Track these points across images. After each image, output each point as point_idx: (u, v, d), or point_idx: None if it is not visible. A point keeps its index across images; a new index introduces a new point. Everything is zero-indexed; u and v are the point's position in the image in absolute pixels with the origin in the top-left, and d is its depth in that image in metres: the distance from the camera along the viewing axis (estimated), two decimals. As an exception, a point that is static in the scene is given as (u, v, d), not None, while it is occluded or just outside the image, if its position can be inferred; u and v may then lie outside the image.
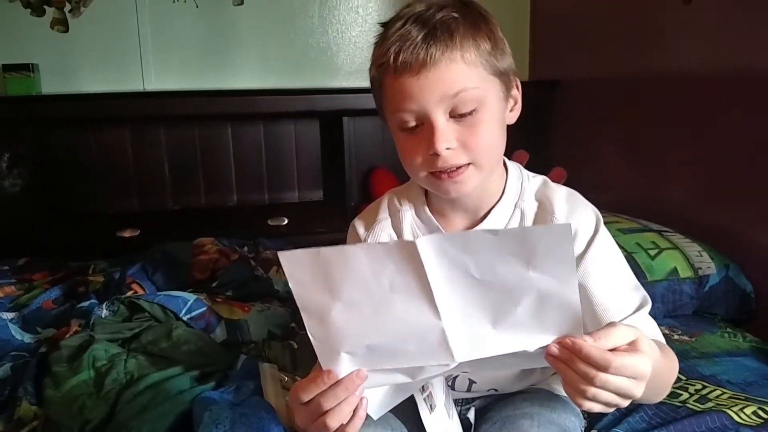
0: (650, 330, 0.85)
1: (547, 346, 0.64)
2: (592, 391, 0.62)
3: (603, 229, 0.88)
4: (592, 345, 0.61)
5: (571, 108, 2.61)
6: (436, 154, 0.80)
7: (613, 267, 0.87)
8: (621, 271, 0.88)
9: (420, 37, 0.77)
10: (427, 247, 0.60)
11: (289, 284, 0.63)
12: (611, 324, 0.65)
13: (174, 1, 2.53)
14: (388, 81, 0.81)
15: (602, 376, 0.61)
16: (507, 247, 0.59)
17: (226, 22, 2.59)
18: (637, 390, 0.63)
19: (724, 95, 1.80)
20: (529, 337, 0.64)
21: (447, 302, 0.63)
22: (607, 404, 0.63)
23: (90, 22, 2.48)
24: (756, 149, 1.69)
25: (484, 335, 0.65)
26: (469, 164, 0.81)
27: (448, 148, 0.79)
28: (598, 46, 2.40)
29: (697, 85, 1.90)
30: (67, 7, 2.46)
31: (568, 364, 0.63)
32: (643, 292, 0.86)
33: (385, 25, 0.84)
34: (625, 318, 0.82)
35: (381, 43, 0.82)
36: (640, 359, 0.62)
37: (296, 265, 0.63)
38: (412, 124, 0.81)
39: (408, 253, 0.60)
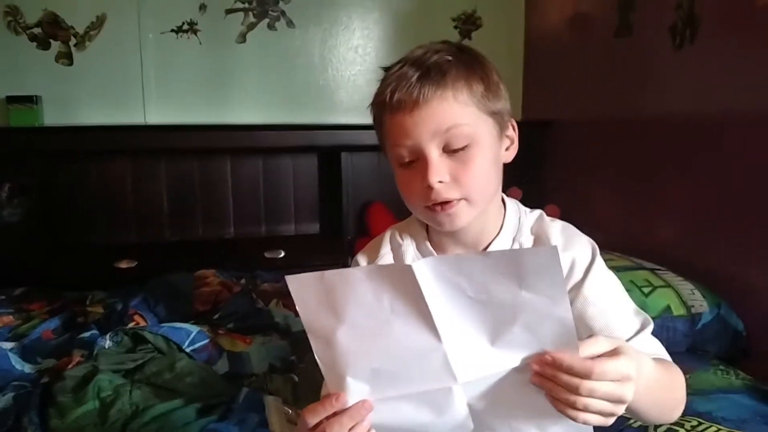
0: (654, 349, 0.86)
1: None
2: (582, 401, 0.63)
3: (599, 258, 0.90)
4: (572, 356, 0.64)
5: (564, 148, 2.67)
6: (430, 187, 0.83)
7: (612, 293, 0.89)
8: (620, 297, 0.89)
9: (415, 77, 0.82)
10: (423, 271, 0.62)
11: (297, 307, 0.66)
12: (591, 337, 0.67)
13: (177, 37, 2.58)
14: (386, 118, 0.86)
15: (587, 384, 0.63)
16: (498, 268, 0.62)
17: (228, 59, 2.65)
18: (626, 392, 0.64)
19: (714, 137, 1.85)
20: (527, 354, 0.66)
21: (446, 324, 0.65)
22: (601, 413, 0.65)
23: (94, 56, 2.53)
24: (747, 191, 1.74)
25: (483, 354, 0.67)
26: (461, 199, 0.85)
27: (440, 182, 0.83)
28: (590, 88, 2.46)
29: (688, 127, 1.95)
30: (73, 41, 2.50)
31: (552, 379, 0.65)
32: (644, 315, 0.88)
33: (387, 69, 0.88)
34: (628, 340, 0.83)
35: (381, 83, 0.87)
36: (622, 361, 0.64)
37: (302, 288, 0.65)
38: (408, 159, 0.85)
39: (405, 276, 0.63)
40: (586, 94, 2.49)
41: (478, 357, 0.67)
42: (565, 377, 0.64)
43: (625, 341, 0.70)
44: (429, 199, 0.84)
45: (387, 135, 0.87)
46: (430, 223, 0.90)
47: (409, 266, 0.62)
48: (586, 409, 0.64)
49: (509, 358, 0.67)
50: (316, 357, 0.69)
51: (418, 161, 0.84)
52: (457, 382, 0.68)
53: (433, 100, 0.81)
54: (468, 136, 0.83)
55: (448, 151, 0.83)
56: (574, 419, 0.65)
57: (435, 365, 0.67)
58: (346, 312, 0.66)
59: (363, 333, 0.67)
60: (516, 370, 0.67)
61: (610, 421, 0.66)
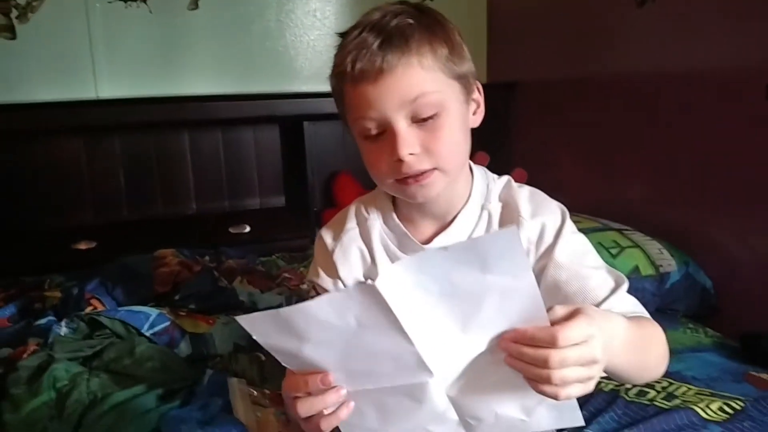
0: (631, 306, 0.85)
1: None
2: (557, 374, 0.61)
3: (569, 221, 0.89)
4: (534, 327, 0.62)
5: (530, 109, 2.64)
6: (400, 161, 0.79)
7: (584, 255, 0.88)
8: (592, 258, 0.88)
9: (376, 44, 0.78)
10: (387, 286, 0.60)
11: (255, 338, 0.65)
12: (549, 307, 0.65)
13: (126, 6, 2.46)
14: (348, 89, 0.81)
15: (556, 355, 0.61)
16: (459, 258, 0.60)
17: (180, 27, 2.54)
18: (595, 350, 0.63)
19: (679, 96, 1.84)
20: (498, 334, 0.65)
21: (416, 328, 0.63)
22: (579, 381, 0.63)
23: (39, 28, 2.39)
24: (711, 148, 1.73)
25: (455, 344, 0.65)
26: (434, 169, 0.81)
27: (411, 154, 0.79)
28: (554, 48, 2.43)
29: (653, 85, 1.94)
30: (14, 13, 2.37)
31: (521, 357, 0.62)
32: (617, 273, 0.87)
33: (343, 35, 0.83)
34: (604, 300, 0.83)
35: (339, 52, 0.82)
36: (581, 321, 0.62)
37: (257, 326, 0.65)
38: (374, 131, 0.81)
39: (370, 295, 0.60)
40: (551, 53, 2.46)
41: (451, 349, 0.65)
42: (533, 351, 0.61)
43: (582, 305, 0.68)
44: (400, 173, 0.81)
45: (349, 107, 0.82)
46: (401, 196, 0.87)
47: (373, 286, 0.59)
48: (564, 383, 0.61)
49: (481, 341, 0.65)
50: (285, 366, 0.69)
51: (385, 133, 0.80)
52: (432, 376, 0.67)
53: (397, 68, 0.77)
54: (436, 103, 0.79)
55: (417, 120, 0.79)
56: (556, 398, 0.62)
57: (409, 364, 0.66)
58: (310, 335, 0.64)
59: (331, 347, 0.65)
60: (488, 352, 0.65)
61: (591, 386, 0.64)
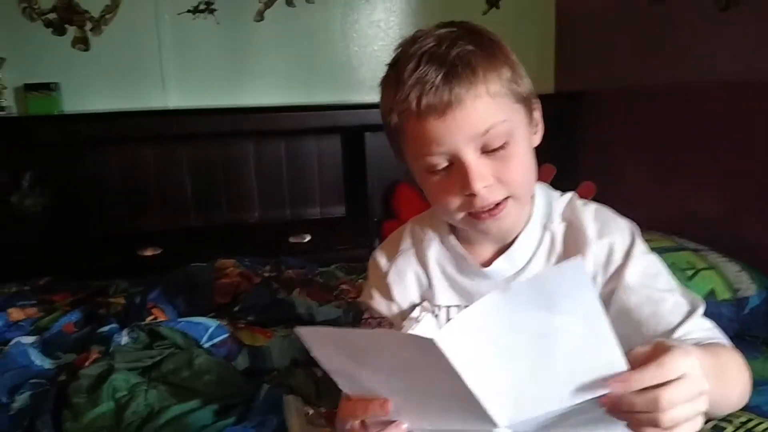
0: (708, 332, 0.79)
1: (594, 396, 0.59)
2: (667, 416, 0.56)
3: (639, 240, 0.83)
4: (637, 373, 0.57)
5: (600, 120, 2.55)
6: (473, 194, 0.76)
7: (656, 276, 0.82)
8: (664, 279, 0.82)
9: (440, 77, 0.73)
10: (447, 341, 0.56)
11: (313, 354, 0.63)
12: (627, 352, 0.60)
13: (194, 18, 2.51)
14: (411, 126, 0.77)
15: (665, 395, 0.56)
16: (524, 299, 0.56)
17: (247, 38, 2.58)
18: (701, 382, 0.57)
19: (762, 104, 1.73)
20: (573, 386, 0.60)
21: (478, 380, 0.59)
22: (689, 419, 0.57)
23: (111, 40, 2.48)
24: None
25: (523, 396, 0.61)
26: (507, 198, 0.78)
27: (485, 186, 0.76)
28: (627, 55, 2.34)
29: (733, 94, 1.84)
30: (88, 25, 2.46)
31: (630, 408, 0.57)
32: (691, 296, 0.81)
33: (395, 66, 0.79)
34: (679, 325, 0.77)
35: (396, 88, 0.77)
36: (678, 353, 0.57)
37: (317, 340, 0.62)
38: (443, 165, 0.77)
39: (429, 349, 0.56)
40: (623, 61, 2.36)
41: (518, 400, 0.61)
42: (640, 398, 0.56)
43: (659, 340, 0.62)
44: (472, 206, 0.77)
45: (412, 144, 0.78)
46: (472, 230, 0.83)
47: (431, 340, 0.55)
48: (675, 424, 0.56)
49: (554, 394, 0.60)
50: (342, 390, 0.66)
51: (453, 166, 0.76)
52: (497, 426, 0.62)
53: (466, 101, 0.73)
54: (506, 133, 0.76)
55: (487, 151, 0.75)
56: None
57: (471, 412, 0.61)
58: (368, 361, 0.61)
59: (390, 377, 0.62)
60: (565, 405, 0.60)
61: (700, 423, 0.59)
